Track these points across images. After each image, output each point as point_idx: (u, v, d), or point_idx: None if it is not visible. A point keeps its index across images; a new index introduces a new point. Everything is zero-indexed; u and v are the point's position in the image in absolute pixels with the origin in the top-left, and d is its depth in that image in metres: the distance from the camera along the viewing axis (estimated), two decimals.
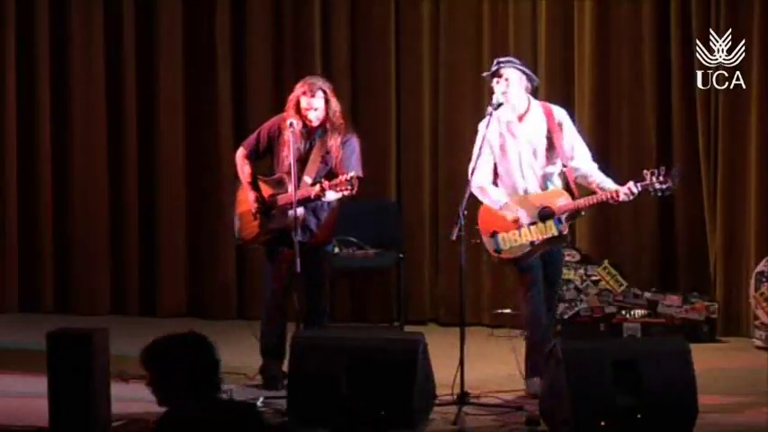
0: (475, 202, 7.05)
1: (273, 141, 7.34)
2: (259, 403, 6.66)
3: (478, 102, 8.70)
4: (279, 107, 7.53)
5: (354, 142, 7.32)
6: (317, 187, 7.02)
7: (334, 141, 7.22)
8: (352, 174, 6.95)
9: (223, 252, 9.28)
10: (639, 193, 6.85)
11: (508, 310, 8.46)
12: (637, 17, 8.85)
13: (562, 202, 6.92)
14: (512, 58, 7.15)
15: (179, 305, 9.56)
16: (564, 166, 6.98)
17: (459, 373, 6.57)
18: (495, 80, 6.99)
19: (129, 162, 9.59)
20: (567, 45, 9.00)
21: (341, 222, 8.83)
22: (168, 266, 9.55)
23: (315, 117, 7.21)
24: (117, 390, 6.51)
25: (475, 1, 9.15)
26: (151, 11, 9.53)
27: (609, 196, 6.88)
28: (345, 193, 6.95)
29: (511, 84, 6.95)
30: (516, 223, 6.90)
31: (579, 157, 7.02)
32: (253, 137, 7.46)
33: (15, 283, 9.69)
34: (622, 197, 6.84)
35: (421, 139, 9.29)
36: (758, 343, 8.29)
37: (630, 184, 6.84)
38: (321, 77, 7.44)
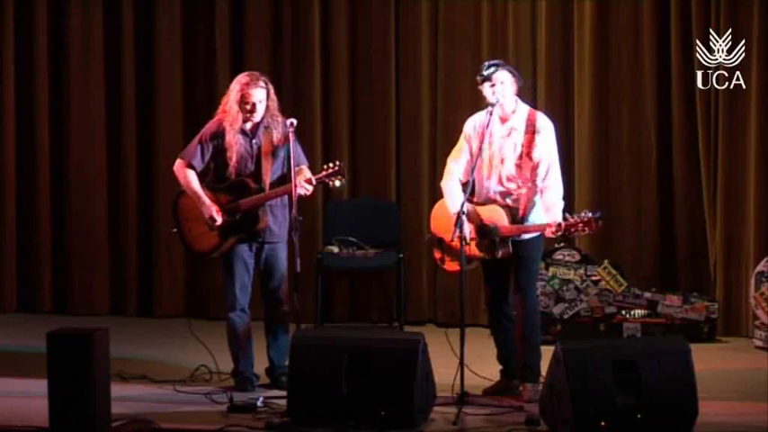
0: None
1: (217, 147, 7.16)
2: (259, 403, 6.67)
3: (477, 102, 8.67)
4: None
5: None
6: (304, 184, 6.91)
7: (278, 135, 7.05)
8: (338, 162, 6.94)
9: None
10: (563, 233, 6.79)
11: None
12: (637, 17, 8.86)
13: (504, 223, 6.86)
14: (502, 61, 7.13)
15: (177, 306, 9.56)
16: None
17: (459, 373, 6.58)
18: (488, 84, 6.95)
19: (127, 162, 9.60)
20: (567, 45, 9.01)
21: (341, 222, 8.82)
22: (167, 267, 9.55)
23: (258, 111, 7.05)
24: (117, 390, 6.51)
25: (474, 1, 9.16)
26: (151, 11, 9.54)
27: (542, 230, 6.82)
28: (338, 183, 6.94)
29: (506, 86, 6.95)
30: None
31: (536, 176, 6.87)
32: (193, 145, 7.23)
33: (14, 283, 9.70)
34: (548, 234, 6.81)
35: (420, 140, 9.29)
36: (758, 343, 8.29)
37: (553, 229, 6.72)
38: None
